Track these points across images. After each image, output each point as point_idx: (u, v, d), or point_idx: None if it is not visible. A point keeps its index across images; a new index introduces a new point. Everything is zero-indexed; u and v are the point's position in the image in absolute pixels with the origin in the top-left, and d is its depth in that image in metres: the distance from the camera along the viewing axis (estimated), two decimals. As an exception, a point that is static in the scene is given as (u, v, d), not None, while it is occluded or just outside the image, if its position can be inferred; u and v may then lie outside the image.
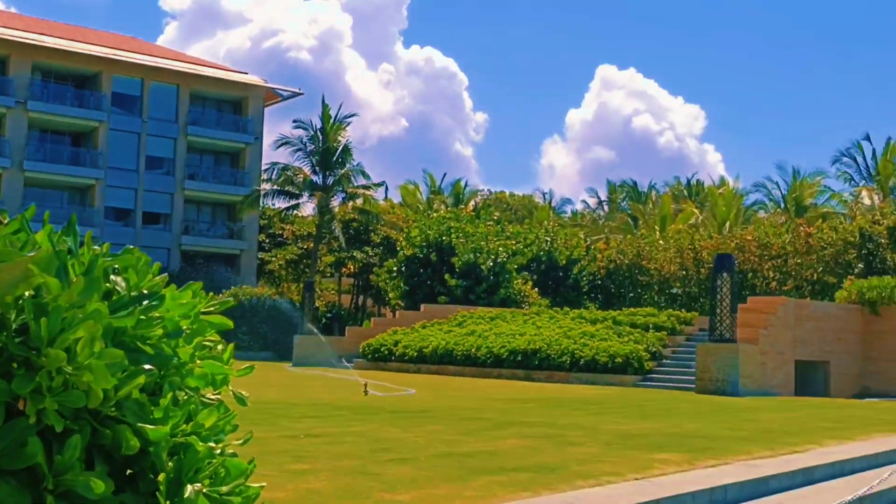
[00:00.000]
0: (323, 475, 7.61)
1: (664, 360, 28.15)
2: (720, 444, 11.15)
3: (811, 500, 7.64)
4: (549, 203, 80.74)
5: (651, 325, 30.15)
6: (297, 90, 63.96)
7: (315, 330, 36.84)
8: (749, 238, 42.99)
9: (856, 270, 39.29)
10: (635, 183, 78.15)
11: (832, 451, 11.08)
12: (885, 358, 31.15)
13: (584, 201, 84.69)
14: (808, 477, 9.58)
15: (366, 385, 19.39)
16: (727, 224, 55.63)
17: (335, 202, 52.22)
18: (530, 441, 10.65)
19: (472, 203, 68.57)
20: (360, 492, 6.97)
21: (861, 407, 20.50)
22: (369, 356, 33.30)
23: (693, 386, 24.24)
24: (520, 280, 42.13)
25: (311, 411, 13.99)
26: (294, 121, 54.63)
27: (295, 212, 54.59)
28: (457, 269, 40.59)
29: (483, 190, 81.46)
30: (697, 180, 76.89)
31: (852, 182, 57.26)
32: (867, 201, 52.23)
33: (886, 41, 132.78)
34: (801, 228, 42.67)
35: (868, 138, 57.61)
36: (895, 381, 30.61)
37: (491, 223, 48.72)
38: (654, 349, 27.98)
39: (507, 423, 12.92)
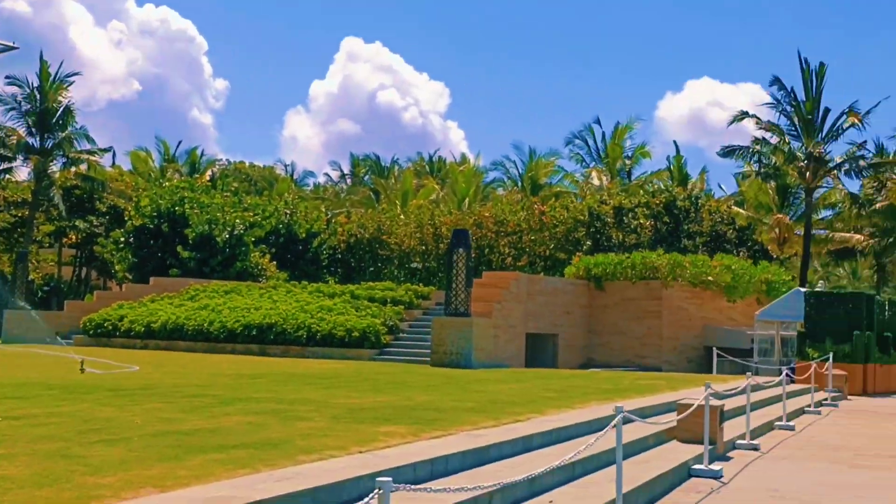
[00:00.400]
0: (20, 460, 7.04)
1: (401, 334, 28.48)
2: (447, 415, 11.28)
3: (525, 467, 7.82)
4: (291, 175, 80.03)
5: (389, 300, 30.44)
6: (10, 44, 58.79)
7: (27, 304, 34.26)
8: (487, 215, 44.35)
9: (584, 247, 41.48)
10: (378, 157, 79.04)
11: (551, 419, 11.48)
12: (607, 331, 33.10)
13: (326, 174, 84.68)
14: (527, 445, 9.83)
15: (82, 362, 18.18)
16: (466, 201, 57.21)
17: (55, 167, 48.59)
18: (255, 417, 10.37)
19: (209, 173, 66.33)
20: (60, 476, 6.48)
21: (584, 377, 21.52)
22: (91, 332, 31.37)
23: (429, 359, 24.66)
24: (257, 253, 41.23)
25: (15, 392, 12.85)
26: (7, 77, 50.39)
27: (7, 176, 50.47)
28: (190, 241, 39.06)
29: (221, 160, 79.36)
30: (440, 157, 78.98)
31: (583, 163, 60.58)
32: (596, 182, 55.40)
33: (616, 31, 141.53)
34: (536, 206, 44.51)
35: (598, 122, 61.21)
36: (616, 353, 32.62)
37: (228, 194, 47.35)
38: (391, 323, 28.25)
39: (233, 399, 12.48)
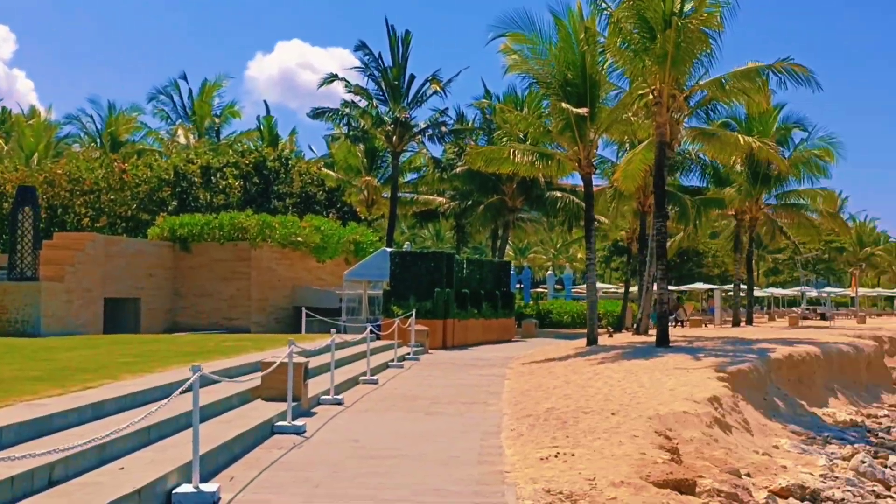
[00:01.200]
0: None
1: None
2: (5, 386, 10.38)
3: (97, 432, 7.13)
4: None
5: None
6: None
7: None
8: (60, 172, 41.09)
9: (170, 208, 39.99)
10: (-74, 106, 70.41)
11: (127, 384, 10.89)
12: (194, 293, 32.35)
13: None
14: (98, 411, 9.21)
15: None
16: (36, 157, 52.81)
17: None
18: None
19: None
20: None
21: (167, 341, 20.81)
22: None
23: (-10, 327, 22.54)
24: None
25: None
26: None
27: None
28: None
29: None
30: (4, 108, 72.02)
31: (169, 120, 58.24)
32: (183, 140, 53.52)
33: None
34: (116, 164, 42.05)
35: (185, 78, 59.06)
36: (204, 315, 31.99)
37: None
38: (-57, 290, 25.35)
39: None
